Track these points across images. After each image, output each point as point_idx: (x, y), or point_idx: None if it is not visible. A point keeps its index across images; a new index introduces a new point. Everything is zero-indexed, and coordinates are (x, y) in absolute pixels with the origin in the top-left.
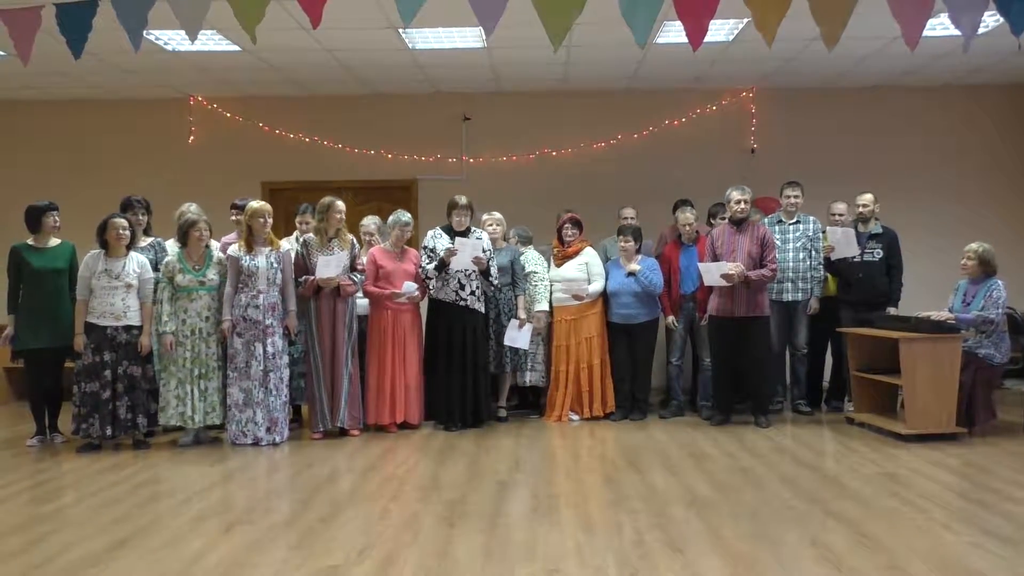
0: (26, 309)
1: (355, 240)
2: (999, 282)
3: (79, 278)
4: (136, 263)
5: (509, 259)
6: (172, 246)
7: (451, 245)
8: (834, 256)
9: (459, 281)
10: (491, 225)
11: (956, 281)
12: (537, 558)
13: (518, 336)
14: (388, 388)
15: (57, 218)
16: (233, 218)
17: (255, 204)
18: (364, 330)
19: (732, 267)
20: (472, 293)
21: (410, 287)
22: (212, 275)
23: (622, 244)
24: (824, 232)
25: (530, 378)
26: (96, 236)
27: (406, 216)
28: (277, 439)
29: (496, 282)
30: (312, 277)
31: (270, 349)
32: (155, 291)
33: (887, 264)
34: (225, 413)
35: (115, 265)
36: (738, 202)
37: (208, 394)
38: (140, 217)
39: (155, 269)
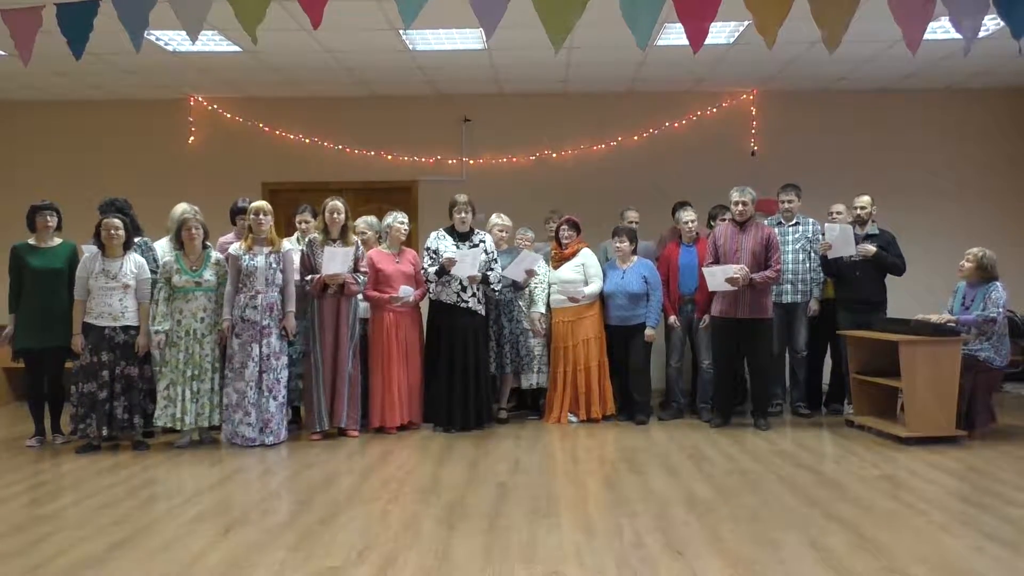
0: (25, 309)
1: (359, 241)
2: (998, 284)
3: (77, 278)
4: (134, 263)
5: (510, 262)
6: (163, 246)
7: (452, 253)
8: (831, 255)
9: (460, 283)
10: (501, 231)
11: (955, 284)
12: (537, 560)
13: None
14: (396, 391)
15: (51, 218)
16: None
17: (254, 203)
18: (366, 332)
19: (736, 270)
20: (473, 295)
21: (407, 291)
22: (209, 276)
23: (617, 245)
24: (823, 231)
25: (536, 380)
26: (93, 237)
27: (401, 215)
28: (270, 440)
29: (497, 287)
30: (319, 275)
31: (266, 350)
32: (152, 291)
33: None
34: (221, 414)
35: (112, 265)
36: (736, 203)
37: (200, 395)
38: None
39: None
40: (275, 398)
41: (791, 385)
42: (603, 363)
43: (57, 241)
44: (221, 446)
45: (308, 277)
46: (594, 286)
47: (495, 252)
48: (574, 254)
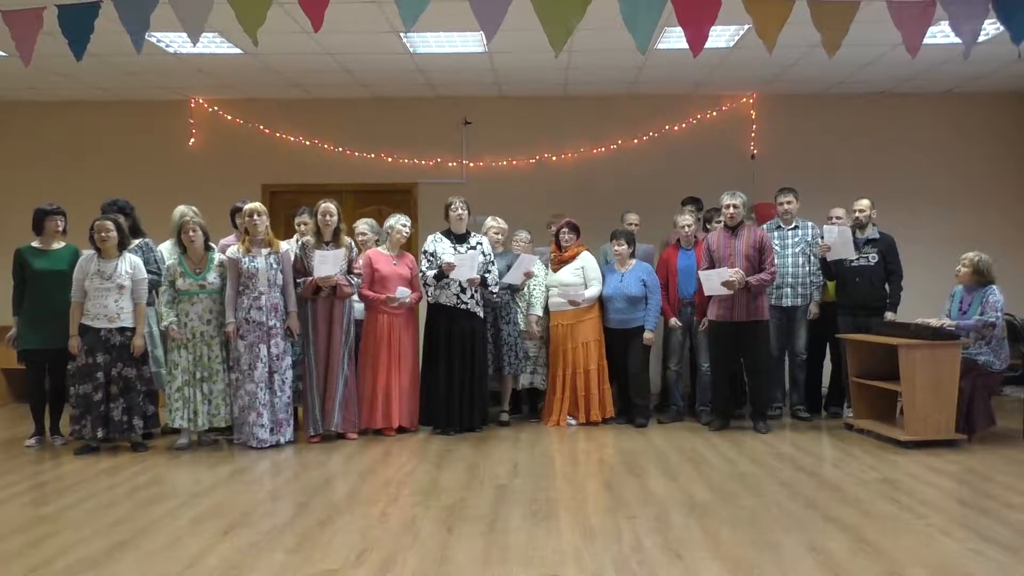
0: (27, 310)
1: (353, 243)
2: (994, 288)
3: (73, 280)
4: (129, 264)
5: (506, 264)
6: (166, 248)
7: (451, 258)
8: (830, 256)
9: (459, 285)
10: (496, 233)
11: (952, 288)
12: (535, 563)
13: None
14: (382, 392)
15: (60, 222)
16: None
17: (248, 205)
18: (361, 334)
19: (732, 273)
20: (472, 297)
21: (403, 293)
22: (212, 278)
23: (616, 248)
24: (822, 233)
25: (531, 380)
26: (89, 239)
27: (404, 219)
28: (281, 440)
29: (495, 289)
30: (311, 278)
31: (274, 350)
32: (152, 292)
33: (886, 270)
34: (232, 415)
35: (107, 266)
36: (727, 206)
37: (212, 397)
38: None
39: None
40: (282, 397)
41: (791, 388)
42: (602, 366)
43: (60, 244)
44: (221, 448)
45: (300, 280)
46: (593, 289)
47: (492, 254)
48: (574, 257)
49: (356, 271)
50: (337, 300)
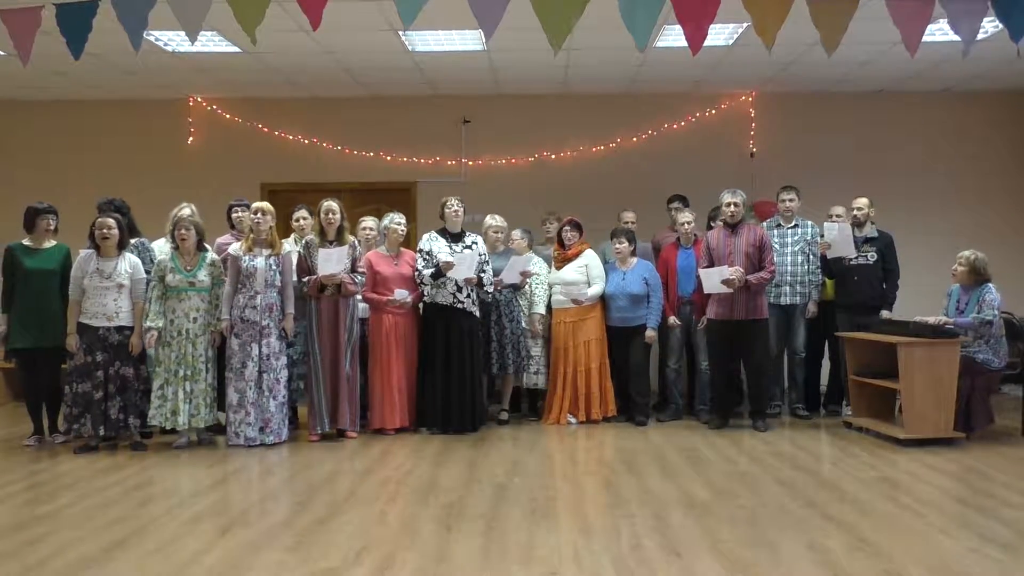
0: (17, 309)
1: (356, 242)
2: (991, 286)
3: (72, 278)
4: (128, 263)
5: (506, 263)
6: (159, 245)
7: (449, 257)
8: (830, 254)
9: (456, 283)
10: (496, 232)
11: (949, 287)
12: (534, 561)
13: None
14: (396, 392)
15: (52, 221)
16: (236, 215)
17: (255, 204)
18: (365, 333)
19: (732, 271)
20: (468, 296)
21: (402, 294)
22: (203, 276)
23: (616, 247)
24: (822, 231)
25: (534, 380)
26: (88, 238)
27: (399, 216)
28: (271, 440)
29: (490, 288)
30: (315, 276)
31: (265, 350)
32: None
33: (883, 269)
34: (214, 414)
35: (107, 265)
36: (728, 205)
37: (194, 395)
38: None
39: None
40: (275, 398)
41: (789, 386)
42: (604, 365)
43: (52, 243)
44: (219, 447)
45: (305, 279)
46: (596, 288)
47: (487, 254)
48: (577, 255)
49: (360, 270)
50: (341, 299)
